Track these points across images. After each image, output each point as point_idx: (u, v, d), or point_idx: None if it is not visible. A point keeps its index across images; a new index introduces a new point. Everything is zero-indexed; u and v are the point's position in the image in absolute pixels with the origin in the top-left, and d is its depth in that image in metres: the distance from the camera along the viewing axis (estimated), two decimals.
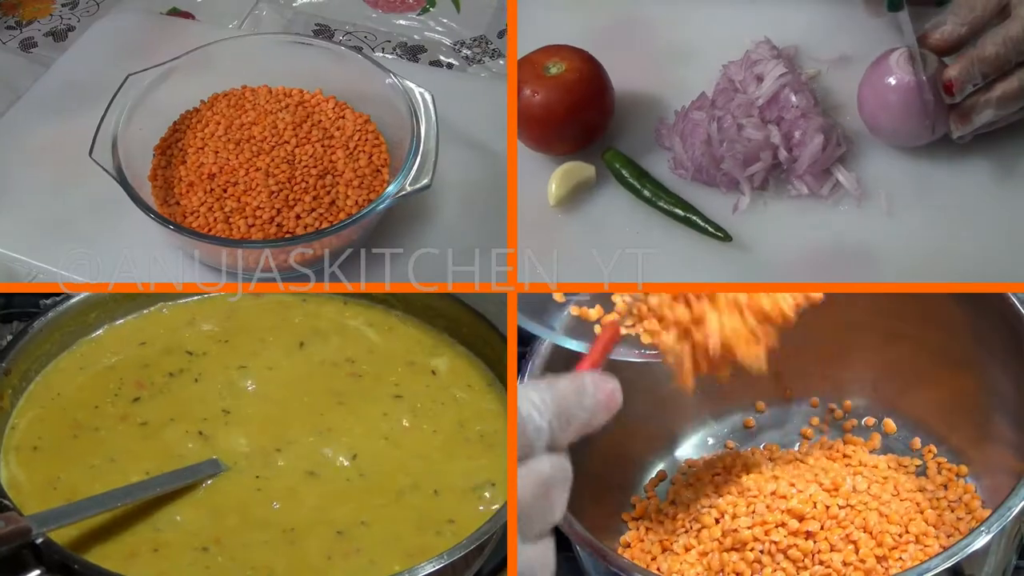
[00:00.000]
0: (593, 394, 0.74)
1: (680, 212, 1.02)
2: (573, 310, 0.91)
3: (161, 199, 1.12)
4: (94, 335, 1.11)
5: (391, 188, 1.08)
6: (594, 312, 0.91)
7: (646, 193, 1.03)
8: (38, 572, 0.87)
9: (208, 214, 1.10)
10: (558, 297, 0.92)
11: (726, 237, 1.01)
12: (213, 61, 1.20)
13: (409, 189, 1.08)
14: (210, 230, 1.09)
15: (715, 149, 1.02)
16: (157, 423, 1.03)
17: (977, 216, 1.00)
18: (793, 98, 1.03)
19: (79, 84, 1.31)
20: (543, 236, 1.03)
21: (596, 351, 0.82)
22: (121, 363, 1.09)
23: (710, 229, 1.01)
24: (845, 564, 0.93)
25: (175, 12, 1.55)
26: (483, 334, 1.10)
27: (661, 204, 1.03)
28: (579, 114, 1.04)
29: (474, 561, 0.92)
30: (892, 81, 0.99)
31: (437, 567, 0.88)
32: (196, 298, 1.15)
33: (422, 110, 1.13)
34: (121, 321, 1.13)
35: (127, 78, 1.13)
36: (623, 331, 0.90)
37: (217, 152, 1.14)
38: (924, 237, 1.00)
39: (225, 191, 1.11)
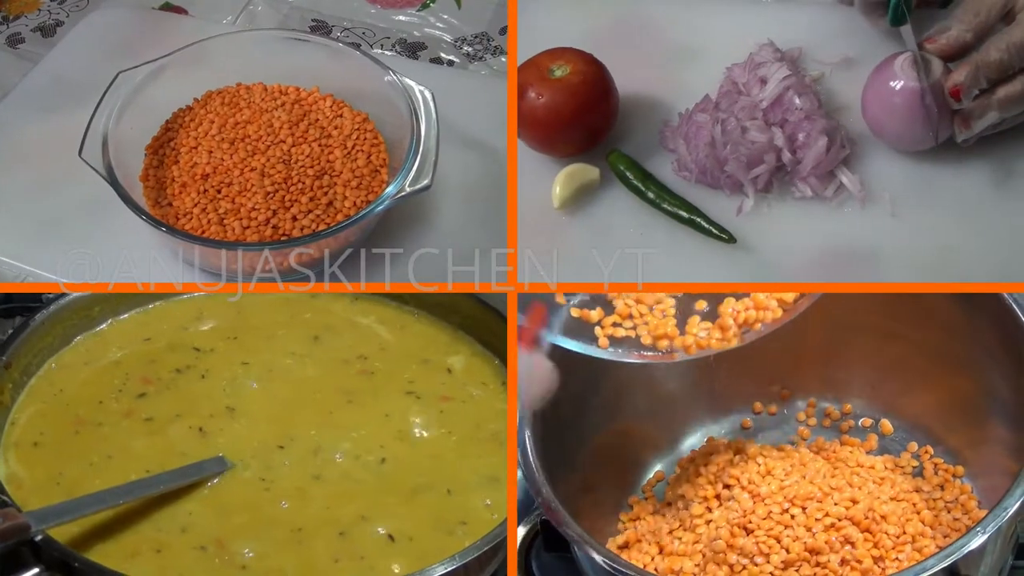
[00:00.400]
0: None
1: (684, 214, 1.04)
2: (573, 311, 0.93)
3: (153, 200, 1.12)
4: (97, 329, 1.12)
5: (390, 189, 1.07)
6: (595, 313, 0.93)
7: (650, 195, 1.05)
8: (37, 571, 0.88)
9: (202, 216, 1.09)
10: (559, 298, 0.94)
11: (730, 239, 1.02)
12: (207, 58, 1.19)
13: (409, 190, 1.07)
14: (204, 232, 1.08)
15: (719, 151, 1.04)
16: (162, 419, 1.04)
17: (980, 217, 1.02)
18: (797, 100, 1.04)
19: (68, 81, 1.30)
20: (547, 238, 1.05)
21: (526, 334, 0.84)
22: (126, 359, 1.10)
23: (714, 231, 1.03)
24: (843, 564, 0.94)
25: (167, 7, 1.54)
26: (497, 330, 1.10)
27: (665, 206, 1.04)
28: (583, 116, 1.05)
29: (488, 563, 0.93)
30: (897, 86, 1.01)
31: (450, 568, 0.89)
32: (202, 294, 1.16)
33: (422, 108, 1.13)
34: (125, 316, 1.14)
35: (118, 75, 1.13)
36: (623, 332, 0.93)
37: (211, 152, 1.14)
38: (928, 238, 1.02)
39: (219, 192, 1.11)
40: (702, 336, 0.93)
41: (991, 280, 1.00)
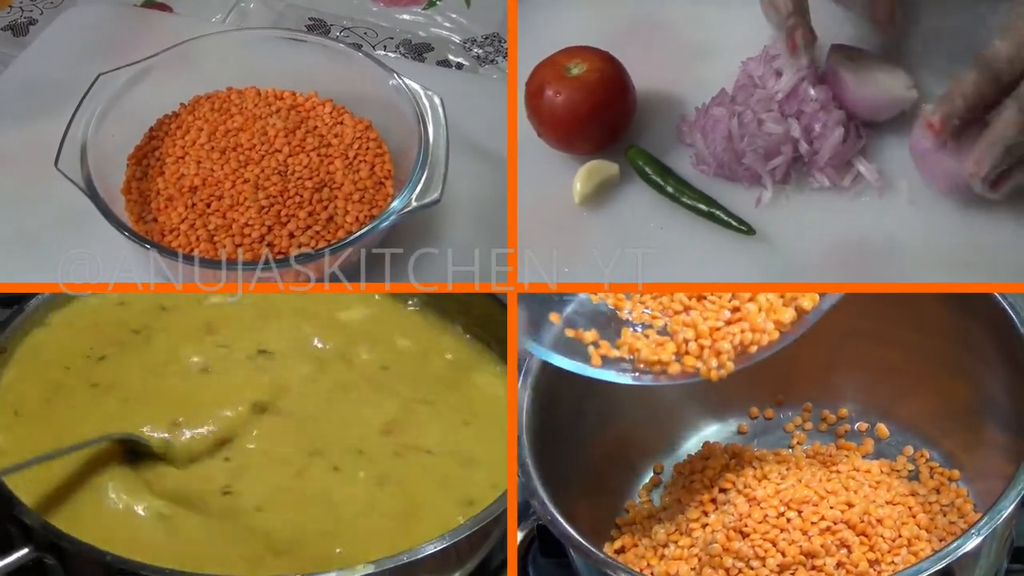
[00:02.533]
0: None
1: (704, 207, 1.11)
2: (568, 332, 1.00)
3: (136, 215, 1.12)
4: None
5: (396, 203, 1.08)
6: (589, 335, 0.99)
7: (669, 189, 1.12)
8: (26, 551, 0.92)
9: (190, 232, 1.09)
10: (553, 318, 1.01)
11: (750, 231, 1.09)
12: (194, 59, 1.20)
13: (416, 204, 1.08)
14: (192, 250, 1.08)
15: (736, 144, 1.11)
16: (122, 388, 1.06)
17: (1000, 205, 1.07)
18: (812, 91, 1.11)
19: (43, 85, 1.31)
20: (569, 234, 1.12)
21: None
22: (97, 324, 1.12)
23: (734, 223, 1.10)
24: (838, 567, 0.99)
25: (151, 4, 1.54)
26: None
27: (684, 200, 1.11)
28: (601, 113, 1.13)
29: (480, 546, 0.97)
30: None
31: (439, 547, 0.92)
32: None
33: (430, 115, 1.14)
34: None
35: (97, 78, 1.13)
36: (616, 353, 0.99)
37: (199, 162, 1.14)
38: (947, 225, 1.08)
39: (209, 206, 1.11)
40: (699, 366, 0.98)
41: (1010, 268, 1.05)
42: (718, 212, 1.10)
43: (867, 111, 1.11)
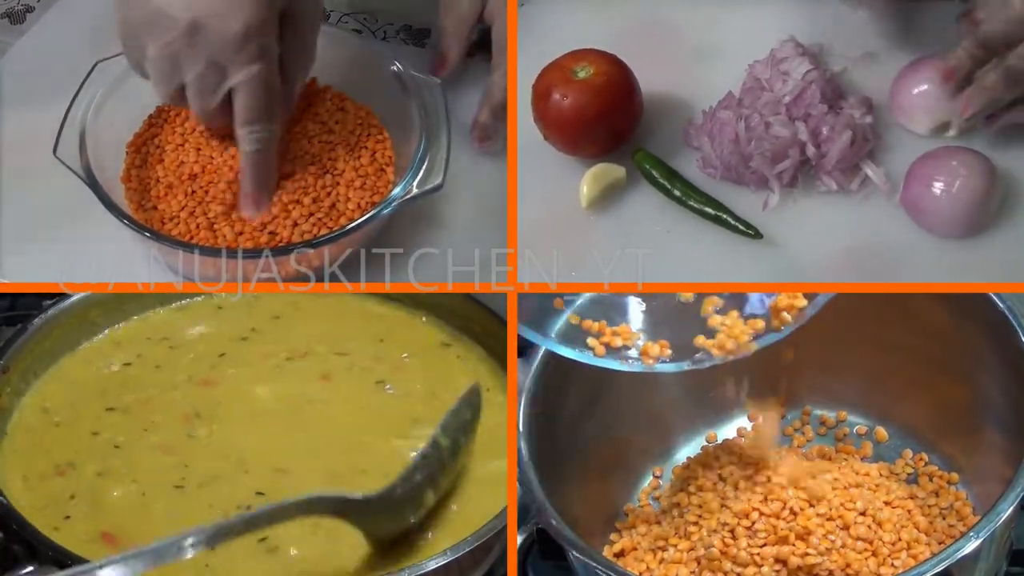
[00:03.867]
0: None
1: (710, 211, 1.13)
2: (572, 318, 1.01)
3: (136, 203, 1.12)
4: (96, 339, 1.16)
5: (397, 190, 1.08)
6: (596, 325, 1.01)
7: (676, 193, 1.14)
8: (31, 569, 0.92)
9: (189, 220, 1.09)
10: (557, 303, 1.03)
11: (756, 234, 1.11)
12: None
13: (417, 191, 1.08)
14: (192, 238, 1.08)
15: (743, 147, 1.13)
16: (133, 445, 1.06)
17: (1006, 206, 1.10)
18: (819, 94, 1.13)
19: (40, 73, 1.31)
20: (577, 238, 1.14)
21: None
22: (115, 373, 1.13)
23: (740, 227, 1.12)
24: (839, 570, 1.01)
25: None
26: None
27: (691, 203, 1.13)
28: (608, 117, 1.14)
29: (482, 560, 0.97)
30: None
31: (441, 563, 0.93)
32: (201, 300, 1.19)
33: (430, 101, 1.14)
34: (124, 324, 1.17)
35: (95, 65, 1.13)
36: (619, 342, 1.00)
37: (199, 149, 1.14)
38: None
39: (208, 193, 1.11)
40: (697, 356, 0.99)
41: (1017, 269, 1.07)
42: (725, 215, 1.11)
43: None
